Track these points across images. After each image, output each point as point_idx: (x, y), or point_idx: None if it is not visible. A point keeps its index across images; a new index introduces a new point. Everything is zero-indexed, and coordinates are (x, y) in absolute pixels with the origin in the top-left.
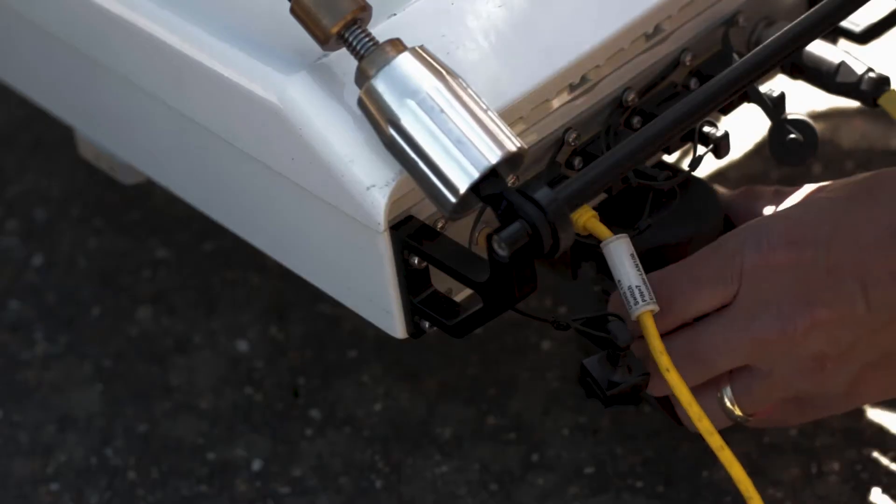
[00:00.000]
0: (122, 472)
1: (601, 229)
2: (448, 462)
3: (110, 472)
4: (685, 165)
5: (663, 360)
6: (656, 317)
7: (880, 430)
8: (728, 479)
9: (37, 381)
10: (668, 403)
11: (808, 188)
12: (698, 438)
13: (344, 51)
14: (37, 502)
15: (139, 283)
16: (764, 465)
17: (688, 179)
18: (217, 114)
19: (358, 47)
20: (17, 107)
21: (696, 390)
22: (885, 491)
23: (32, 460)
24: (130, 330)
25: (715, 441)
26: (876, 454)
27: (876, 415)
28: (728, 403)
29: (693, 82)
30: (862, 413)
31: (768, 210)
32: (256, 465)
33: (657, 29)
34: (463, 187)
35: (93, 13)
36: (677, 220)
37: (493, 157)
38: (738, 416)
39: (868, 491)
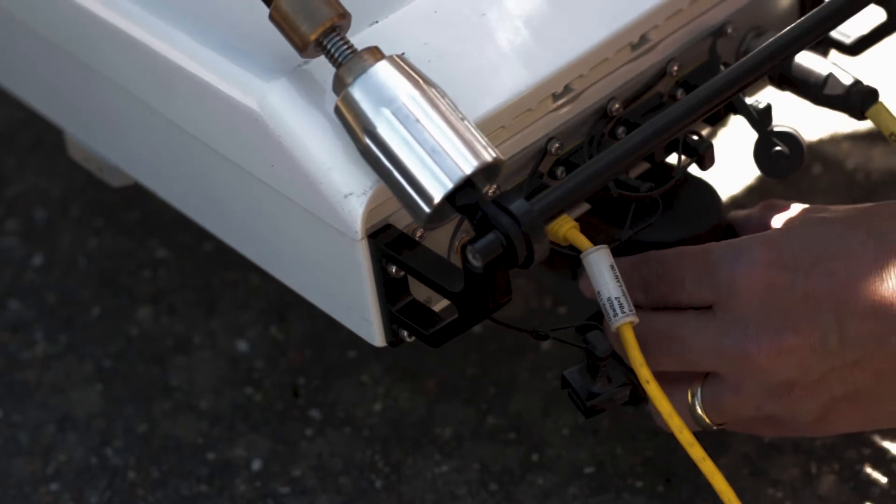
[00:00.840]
0: (122, 472)
1: (581, 240)
2: (448, 462)
3: (110, 472)
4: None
5: (643, 371)
6: (646, 290)
7: (880, 430)
8: (728, 479)
9: (37, 381)
10: None
11: (811, 208)
12: (698, 438)
13: (324, 58)
14: (37, 502)
15: (139, 283)
16: (764, 465)
17: (689, 179)
18: (198, 118)
19: (336, 55)
20: (18, 107)
21: (668, 386)
22: (884, 491)
23: (32, 460)
24: (130, 330)
25: (696, 452)
26: (876, 454)
27: None
28: (698, 409)
29: (679, 93)
30: None
31: (777, 223)
32: (256, 465)
33: (643, 39)
34: (437, 197)
35: (79, 16)
36: (675, 219)
37: (468, 167)
38: (706, 424)
39: (868, 491)
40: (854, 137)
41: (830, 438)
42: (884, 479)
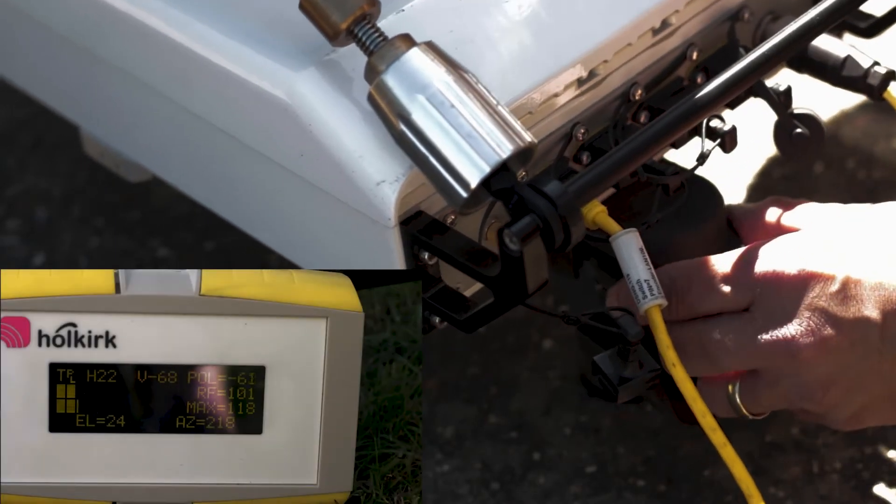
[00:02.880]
0: None
1: (610, 224)
2: (449, 461)
3: None
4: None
5: (670, 354)
6: (670, 305)
7: (882, 429)
8: (730, 477)
9: None
10: (670, 402)
11: (829, 206)
12: (700, 437)
13: (351, 47)
14: None
15: None
16: (766, 464)
17: (692, 177)
18: (225, 110)
19: (367, 43)
20: (18, 106)
21: (707, 380)
22: (886, 490)
23: None
24: None
25: (718, 438)
26: (877, 453)
27: None
28: (737, 399)
29: (699, 77)
30: None
31: (791, 221)
32: None
33: (664, 24)
34: (474, 182)
35: (102, 12)
36: (677, 218)
37: (504, 151)
38: (744, 414)
39: (869, 490)
40: (856, 135)
41: (832, 437)
42: (885, 478)
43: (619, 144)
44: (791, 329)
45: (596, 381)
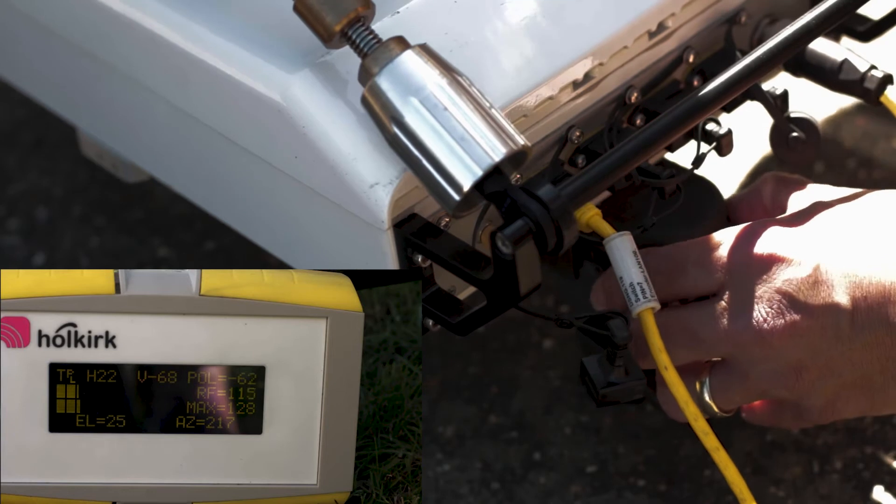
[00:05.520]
0: None
1: (604, 226)
2: (450, 461)
3: None
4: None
5: (662, 357)
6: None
7: (882, 429)
8: None
9: None
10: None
11: (814, 190)
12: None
13: (346, 49)
14: None
15: None
16: (766, 464)
17: (692, 177)
18: (220, 112)
19: (361, 45)
20: (19, 106)
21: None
22: (887, 489)
23: None
24: None
25: (710, 442)
26: (878, 453)
27: None
28: (706, 396)
29: (695, 80)
30: None
31: (782, 201)
32: None
33: (660, 27)
34: (466, 185)
35: (97, 12)
36: (678, 218)
37: (497, 154)
38: (714, 412)
39: (870, 489)
40: (856, 136)
41: (832, 437)
42: (886, 478)
43: (613, 147)
44: (760, 313)
45: (573, 388)
